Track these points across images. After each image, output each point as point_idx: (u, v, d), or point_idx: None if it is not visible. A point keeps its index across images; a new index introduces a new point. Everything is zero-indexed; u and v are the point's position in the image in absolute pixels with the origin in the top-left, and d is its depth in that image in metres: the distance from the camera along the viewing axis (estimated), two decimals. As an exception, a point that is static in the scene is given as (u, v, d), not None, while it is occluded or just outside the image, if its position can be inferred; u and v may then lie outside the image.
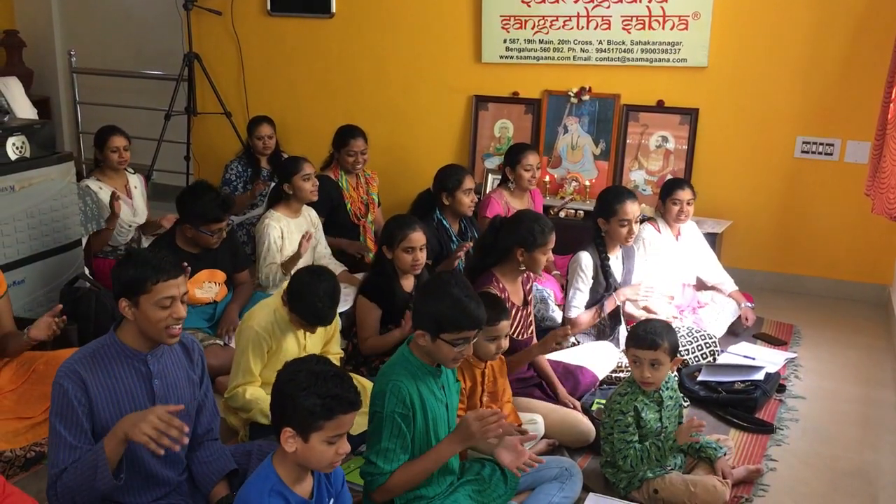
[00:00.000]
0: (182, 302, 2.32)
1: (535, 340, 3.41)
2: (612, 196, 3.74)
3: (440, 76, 5.60)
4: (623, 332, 3.78)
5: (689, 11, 4.92)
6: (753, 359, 3.93)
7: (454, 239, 4.36)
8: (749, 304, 4.33)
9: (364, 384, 3.00)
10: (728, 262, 4.67)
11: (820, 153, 4.88)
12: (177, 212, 3.91)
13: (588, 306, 3.72)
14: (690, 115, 5.04)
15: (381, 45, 5.71)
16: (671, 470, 2.84)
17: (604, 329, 3.85)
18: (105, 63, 6.59)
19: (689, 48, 4.96)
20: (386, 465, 2.39)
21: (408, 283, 3.53)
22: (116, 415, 2.26)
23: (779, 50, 4.84)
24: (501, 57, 5.39)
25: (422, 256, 3.49)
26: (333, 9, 5.76)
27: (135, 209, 4.60)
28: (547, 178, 5.32)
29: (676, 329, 3.10)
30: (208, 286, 3.85)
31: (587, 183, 5.28)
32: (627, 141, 5.22)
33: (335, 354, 3.34)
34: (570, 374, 3.45)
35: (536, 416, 3.12)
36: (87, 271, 4.21)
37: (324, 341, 3.28)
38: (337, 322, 3.30)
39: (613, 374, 3.67)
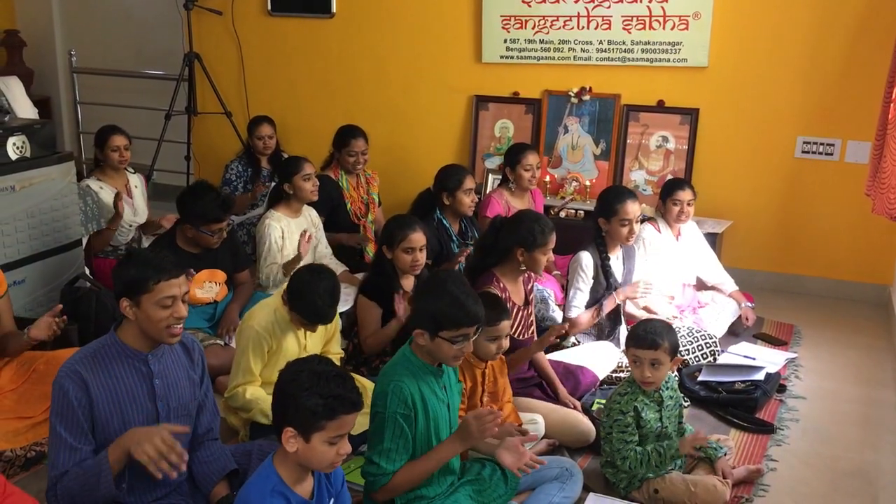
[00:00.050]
0: (183, 301, 2.32)
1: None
2: (613, 196, 3.75)
3: (440, 76, 5.60)
4: (623, 331, 3.78)
5: (689, 11, 4.92)
6: (754, 359, 3.93)
7: (454, 239, 4.36)
8: (749, 304, 4.33)
9: (365, 384, 3.00)
10: (728, 262, 4.67)
11: (820, 153, 4.89)
12: (177, 212, 3.91)
13: (588, 306, 3.72)
14: (691, 115, 5.04)
15: (382, 45, 5.71)
16: (671, 470, 2.85)
17: (604, 329, 3.85)
18: (105, 63, 6.59)
19: (690, 48, 4.96)
20: (388, 465, 2.39)
21: (408, 283, 3.53)
22: (118, 414, 2.27)
23: (779, 50, 4.84)
24: (502, 57, 5.39)
25: (421, 257, 3.49)
26: (333, 9, 5.76)
27: (135, 209, 4.60)
28: (547, 178, 5.32)
29: (677, 329, 3.10)
30: (209, 286, 3.85)
31: (587, 183, 5.28)
32: (628, 141, 5.22)
33: (335, 354, 3.34)
34: (571, 374, 3.45)
35: (537, 416, 3.12)
36: (87, 271, 4.21)
37: (324, 341, 3.29)
38: (337, 322, 3.31)
39: (614, 374, 3.67)
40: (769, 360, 3.93)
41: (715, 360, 3.85)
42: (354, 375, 2.17)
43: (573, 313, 3.69)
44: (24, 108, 5.34)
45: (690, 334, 3.89)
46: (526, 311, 3.40)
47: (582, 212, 5.03)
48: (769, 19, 4.82)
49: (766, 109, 4.92)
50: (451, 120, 5.65)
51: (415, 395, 2.42)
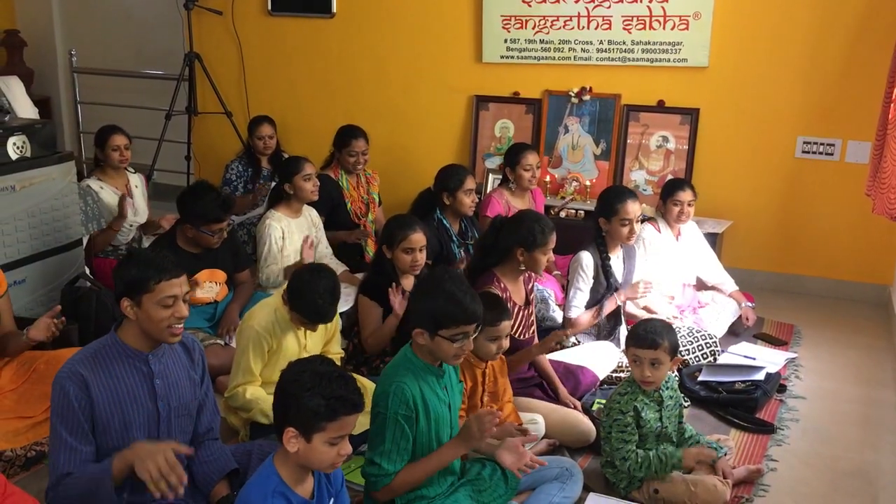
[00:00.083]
0: (184, 301, 2.32)
1: (536, 340, 3.41)
2: (614, 195, 3.75)
3: (440, 76, 5.60)
4: (623, 331, 3.78)
5: (689, 11, 4.92)
6: (754, 359, 3.93)
7: (454, 239, 4.36)
8: (749, 304, 4.34)
9: (365, 384, 3.00)
10: (728, 262, 4.67)
11: (820, 153, 4.89)
12: (177, 212, 3.91)
13: (589, 306, 3.72)
14: (691, 115, 5.04)
15: (382, 45, 5.71)
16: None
17: (604, 329, 3.85)
18: (106, 63, 6.59)
19: (690, 48, 4.96)
20: (390, 465, 2.39)
21: (408, 283, 3.54)
22: (118, 415, 2.27)
23: (779, 50, 4.84)
24: (502, 57, 5.39)
25: (421, 257, 3.49)
26: (334, 9, 5.76)
27: (136, 209, 4.60)
28: (547, 178, 5.32)
29: (677, 329, 3.11)
30: (209, 286, 3.85)
31: (588, 183, 5.28)
32: (628, 141, 5.22)
33: (336, 354, 3.35)
34: (571, 373, 3.45)
35: (537, 416, 3.12)
36: (87, 271, 4.21)
37: (324, 341, 3.29)
38: (337, 322, 3.31)
39: (614, 374, 3.67)
40: (769, 360, 3.94)
41: (715, 360, 3.85)
42: (355, 375, 2.17)
43: (573, 313, 3.69)
44: (25, 108, 5.34)
45: (690, 334, 3.89)
46: (526, 311, 3.40)
47: (582, 212, 5.03)
48: (769, 19, 4.82)
49: (766, 109, 4.93)
50: (451, 120, 5.65)
51: (416, 395, 2.42)
